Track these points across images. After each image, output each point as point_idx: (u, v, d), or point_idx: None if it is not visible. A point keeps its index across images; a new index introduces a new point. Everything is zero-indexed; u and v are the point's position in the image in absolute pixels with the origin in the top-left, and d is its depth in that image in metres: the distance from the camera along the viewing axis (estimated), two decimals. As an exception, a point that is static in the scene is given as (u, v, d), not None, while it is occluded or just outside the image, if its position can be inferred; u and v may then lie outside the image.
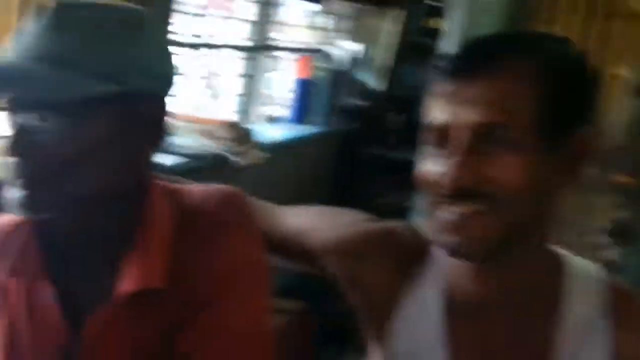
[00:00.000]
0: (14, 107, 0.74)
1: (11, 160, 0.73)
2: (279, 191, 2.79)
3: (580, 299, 0.87)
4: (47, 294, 0.80)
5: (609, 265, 2.39)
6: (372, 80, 4.22)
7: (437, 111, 0.81)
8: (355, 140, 3.88)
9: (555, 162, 0.80)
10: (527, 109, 0.78)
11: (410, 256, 0.94)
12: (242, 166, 2.64)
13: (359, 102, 3.98)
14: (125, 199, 0.80)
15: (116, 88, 0.73)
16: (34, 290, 0.81)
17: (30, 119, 0.73)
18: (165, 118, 0.80)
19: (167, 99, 0.81)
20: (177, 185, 0.88)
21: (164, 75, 0.80)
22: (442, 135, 0.80)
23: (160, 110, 0.80)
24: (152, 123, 0.79)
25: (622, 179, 2.49)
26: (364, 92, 4.11)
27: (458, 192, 0.78)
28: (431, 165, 0.82)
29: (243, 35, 3.46)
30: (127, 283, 0.77)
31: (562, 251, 0.92)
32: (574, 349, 0.86)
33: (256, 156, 2.75)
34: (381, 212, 1.04)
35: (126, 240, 0.80)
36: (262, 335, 0.83)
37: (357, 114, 3.87)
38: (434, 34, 3.95)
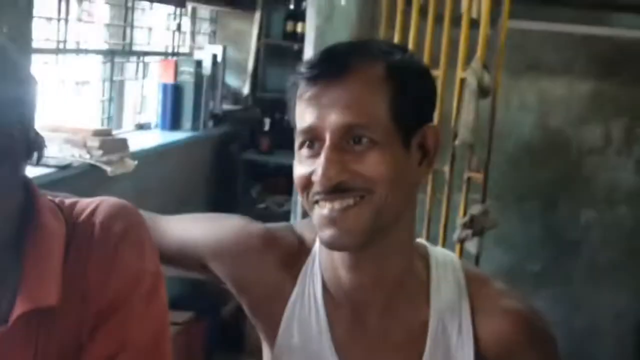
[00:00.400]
0: None
1: None
2: (153, 200, 2.77)
3: (443, 284, 0.98)
4: None
5: (469, 256, 2.62)
6: (238, 84, 4.26)
7: (303, 115, 0.89)
8: (228, 145, 3.90)
9: (411, 156, 0.91)
10: (380, 109, 0.88)
11: (292, 255, 1.01)
12: (113, 175, 2.58)
13: (228, 106, 4.00)
14: (11, 220, 0.80)
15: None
16: None
17: None
18: (36, 135, 0.83)
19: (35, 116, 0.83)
20: (64, 200, 0.88)
21: (30, 101, 0.82)
22: (311, 138, 0.89)
23: (32, 131, 0.82)
24: (27, 144, 0.81)
25: (472, 175, 2.73)
26: (231, 95, 4.14)
27: (329, 189, 0.87)
28: (305, 167, 0.90)
29: (103, 39, 3.36)
30: (21, 304, 0.77)
31: (425, 243, 1.04)
32: (441, 329, 0.96)
33: (127, 164, 2.69)
34: (262, 217, 1.10)
35: (18, 260, 0.79)
36: (161, 346, 0.85)
37: (227, 118, 3.89)
38: (296, 37, 4.06)
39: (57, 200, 0.87)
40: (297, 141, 0.91)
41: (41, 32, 2.76)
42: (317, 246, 1.00)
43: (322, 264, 0.99)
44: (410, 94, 0.90)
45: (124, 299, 0.81)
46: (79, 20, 3.20)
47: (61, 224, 0.83)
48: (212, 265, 1.03)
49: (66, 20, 2.87)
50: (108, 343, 0.81)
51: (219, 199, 3.82)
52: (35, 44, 2.53)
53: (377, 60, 0.90)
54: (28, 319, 0.77)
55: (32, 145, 0.82)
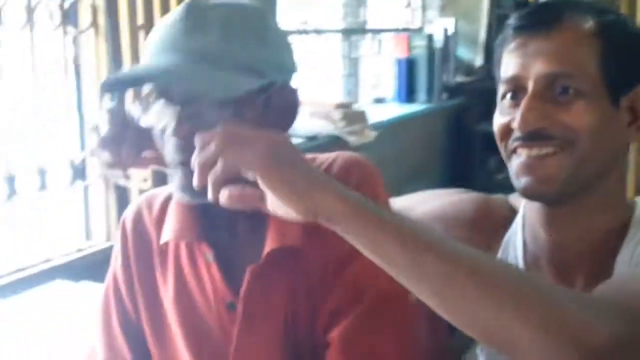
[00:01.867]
0: (172, 99, 0.80)
1: (174, 145, 0.80)
2: (391, 169, 2.81)
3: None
4: (206, 255, 0.89)
5: None
6: (470, 56, 4.15)
7: (508, 65, 0.88)
8: (462, 116, 3.84)
9: (620, 116, 0.86)
10: (589, 61, 0.84)
11: (502, 223, 0.99)
12: (356, 146, 2.67)
13: (461, 79, 3.93)
14: None
15: (259, 82, 0.80)
16: (194, 252, 0.90)
17: (186, 110, 0.80)
18: (296, 105, 0.87)
19: (295, 87, 0.87)
20: (310, 155, 0.93)
21: (291, 66, 0.87)
22: (514, 88, 0.87)
23: (291, 98, 0.86)
24: (284, 111, 0.85)
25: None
26: (464, 68, 4.05)
27: (528, 134, 0.84)
28: (505, 117, 0.88)
29: (337, 17, 3.49)
30: (269, 243, 0.85)
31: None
32: None
33: (368, 135, 2.76)
34: (501, 187, 1.06)
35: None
36: (402, 295, 0.84)
37: (461, 90, 3.82)
38: (525, 6, 3.83)
39: None
40: (500, 91, 0.89)
41: (285, 15, 2.94)
42: (521, 210, 0.97)
43: (525, 226, 0.95)
44: (621, 53, 0.86)
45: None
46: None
47: None
48: None
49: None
50: (352, 286, 0.85)
51: (456, 170, 3.78)
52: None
53: (589, 16, 0.87)
54: (277, 257, 0.84)
55: (292, 116, 0.88)
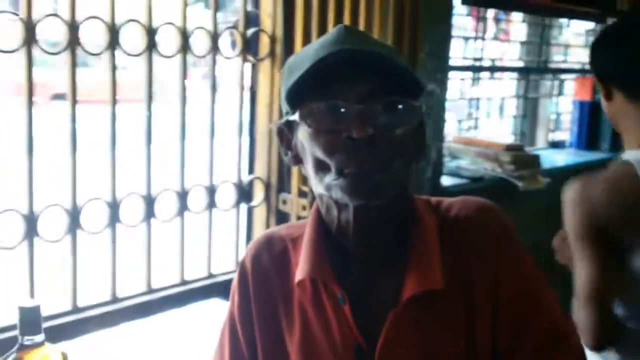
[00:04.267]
0: (372, 94, 0.79)
1: (351, 146, 0.78)
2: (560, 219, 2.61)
3: None
4: (338, 297, 0.85)
5: None
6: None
7: None
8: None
9: None
10: None
11: None
12: (524, 190, 2.52)
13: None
14: (405, 197, 0.87)
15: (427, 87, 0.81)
16: (321, 295, 0.87)
17: (374, 107, 0.78)
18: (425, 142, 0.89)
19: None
20: (435, 198, 0.92)
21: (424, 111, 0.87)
22: None
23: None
24: (422, 122, 0.86)
25: None
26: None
27: None
28: None
29: (515, 56, 3.35)
30: (410, 287, 0.83)
31: None
32: None
33: (538, 181, 2.60)
34: None
35: (404, 248, 0.85)
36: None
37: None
38: None
39: (423, 197, 0.92)
40: None
41: (458, 51, 2.87)
42: None
43: None
44: None
45: (524, 291, 0.85)
46: (495, 38, 3.25)
47: (433, 218, 0.88)
48: None
49: (482, 39, 2.93)
50: (533, 336, 0.84)
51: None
52: (452, 62, 2.64)
53: None
54: (415, 302, 0.83)
55: (423, 149, 0.89)
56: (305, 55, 0.82)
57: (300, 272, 0.88)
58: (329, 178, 0.80)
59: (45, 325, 1.52)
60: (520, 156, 2.62)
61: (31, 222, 1.40)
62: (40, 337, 0.79)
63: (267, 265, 0.93)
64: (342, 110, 0.78)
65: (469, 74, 3.00)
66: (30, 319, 0.78)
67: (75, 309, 1.51)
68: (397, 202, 0.84)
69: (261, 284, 0.93)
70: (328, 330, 0.86)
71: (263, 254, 0.94)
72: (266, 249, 0.94)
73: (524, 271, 0.86)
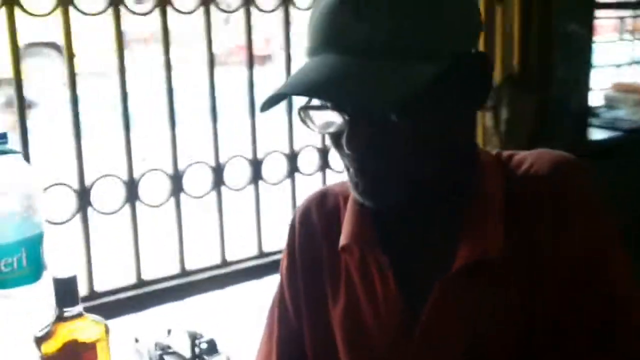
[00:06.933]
0: (343, 109, 0.68)
1: (347, 154, 0.70)
2: None
3: None
4: (381, 264, 0.77)
5: None
6: None
7: None
8: None
9: None
10: None
11: None
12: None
13: None
14: (455, 169, 0.75)
15: (437, 67, 0.66)
16: (367, 261, 0.79)
17: (360, 117, 0.68)
18: (487, 71, 0.73)
19: (478, 46, 0.73)
20: (508, 152, 0.81)
21: (475, 29, 0.73)
22: None
23: (479, 64, 0.72)
24: (473, 81, 0.72)
25: None
26: None
27: None
28: None
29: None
30: (464, 254, 0.74)
31: None
32: None
33: None
34: None
35: (458, 212, 0.76)
36: None
37: None
38: None
39: (494, 151, 0.81)
40: None
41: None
42: None
43: None
44: None
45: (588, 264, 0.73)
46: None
47: (500, 175, 0.77)
48: None
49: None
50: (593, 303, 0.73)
51: None
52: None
53: None
54: (468, 270, 0.74)
55: (484, 85, 0.73)
56: (311, 23, 0.71)
57: (343, 236, 0.81)
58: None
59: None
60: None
61: (132, 187, 1.44)
62: (78, 309, 0.76)
63: (316, 224, 0.86)
64: (334, 121, 0.70)
65: (625, 12, 2.63)
66: (66, 290, 0.76)
67: (183, 273, 1.53)
68: (441, 177, 0.74)
69: (308, 244, 0.86)
70: (373, 299, 0.79)
71: (313, 211, 0.87)
72: (317, 205, 0.87)
73: (597, 248, 0.74)
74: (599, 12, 2.28)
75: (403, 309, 0.76)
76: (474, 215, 0.75)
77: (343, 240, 0.80)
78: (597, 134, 2.19)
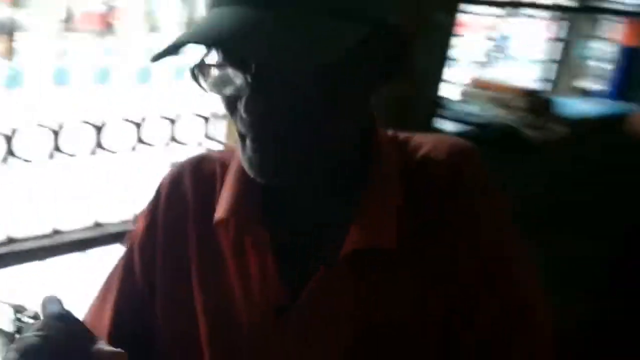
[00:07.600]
0: (245, 66, 0.61)
1: (245, 119, 0.63)
2: (581, 176, 2.36)
3: None
4: (260, 240, 0.71)
5: None
6: None
7: None
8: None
9: None
10: None
11: None
12: (538, 142, 2.28)
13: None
14: (356, 146, 0.72)
15: (363, 28, 0.61)
16: (244, 237, 0.72)
17: (265, 77, 0.60)
18: (402, 44, 0.69)
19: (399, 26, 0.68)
20: (404, 134, 0.78)
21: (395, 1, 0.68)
22: None
23: (392, 37, 0.68)
24: (388, 54, 0.68)
25: None
26: None
27: None
28: None
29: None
30: (354, 240, 0.70)
31: None
32: None
33: (556, 132, 2.35)
34: None
35: (355, 194, 0.72)
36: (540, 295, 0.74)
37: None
38: None
39: (398, 133, 0.78)
40: None
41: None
42: None
43: None
44: None
45: (491, 257, 0.71)
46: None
47: (398, 159, 0.74)
48: None
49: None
50: (500, 292, 0.72)
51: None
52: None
53: None
54: (357, 258, 0.70)
55: (398, 63, 0.69)
56: None
57: (219, 209, 0.73)
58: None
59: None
60: (538, 103, 2.36)
61: None
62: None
63: (187, 191, 0.78)
64: (233, 80, 0.62)
65: (495, 10, 2.72)
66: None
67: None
68: (336, 152, 0.68)
69: (174, 211, 0.78)
70: (247, 283, 0.72)
71: (186, 176, 0.79)
72: (192, 171, 0.79)
73: (495, 234, 0.73)
74: (467, 7, 2.33)
75: (279, 289, 0.71)
76: (369, 199, 0.71)
77: (220, 212, 0.73)
78: (446, 126, 2.25)
